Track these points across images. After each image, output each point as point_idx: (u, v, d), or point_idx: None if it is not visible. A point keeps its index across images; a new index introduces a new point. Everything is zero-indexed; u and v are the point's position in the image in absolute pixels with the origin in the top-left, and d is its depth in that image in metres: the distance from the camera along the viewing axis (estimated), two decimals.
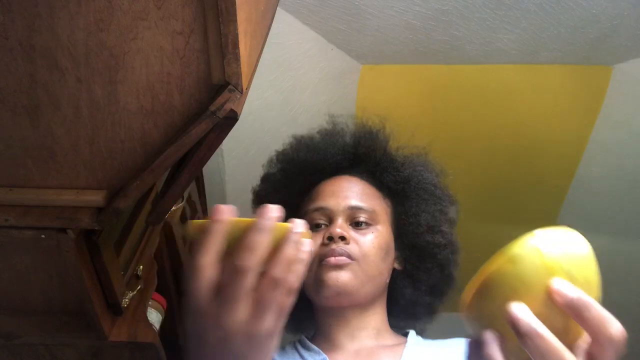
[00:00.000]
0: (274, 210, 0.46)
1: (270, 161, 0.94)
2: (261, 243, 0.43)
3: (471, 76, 1.59)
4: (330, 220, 0.79)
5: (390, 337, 0.80)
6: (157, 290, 0.93)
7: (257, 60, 0.66)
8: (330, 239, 0.76)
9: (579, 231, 0.49)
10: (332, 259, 0.74)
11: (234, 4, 0.46)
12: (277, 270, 0.43)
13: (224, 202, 1.40)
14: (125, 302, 0.77)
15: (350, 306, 0.76)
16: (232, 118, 0.53)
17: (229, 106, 0.52)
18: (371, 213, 0.79)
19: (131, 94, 0.53)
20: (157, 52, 0.50)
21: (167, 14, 0.48)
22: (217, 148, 0.56)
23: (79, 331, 0.75)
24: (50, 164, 0.58)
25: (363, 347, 0.76)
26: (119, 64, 0.51)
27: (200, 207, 1.25)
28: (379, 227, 0.79)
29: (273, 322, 0.44)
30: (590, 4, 1.25)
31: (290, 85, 1.41)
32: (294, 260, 0.45)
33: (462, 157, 1.78)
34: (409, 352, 0.76)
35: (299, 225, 0.46)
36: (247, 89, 0.56)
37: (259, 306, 0.42)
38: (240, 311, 0.42)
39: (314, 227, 0.80)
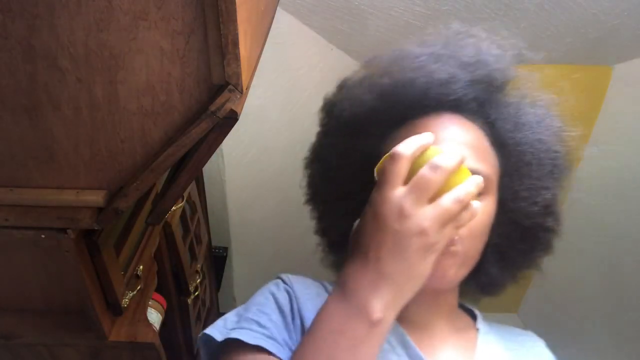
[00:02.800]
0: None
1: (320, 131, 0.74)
2: (453, 160, 0.47)
3: None
4: None
5: (460, 317, 0.72)
6: (157, 290, 0.93)
7: (257, 60, 0.66)
8: None
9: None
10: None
11: (234, 4, 0.46)
12: (454, 198, 0.47)
13: (224, 202, 1.40)
14: (125, 302, 0.77)
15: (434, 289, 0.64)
16: (232, 118, 0.53)
17: (229, 106, 0.52)
18: (486, 180, 0.60)
19: (131, 94, 0.53)
20: (157, 52, 0.50)
21: (167, 14, 0.48)
22: (217, 148, 0.56)
23: (79, 331, 0.75)
24: (50, 164, 0.58)
25: (436, 325, 0.67)
26: (119, 64, 0.51)
27: (200, 207, 1.25)
28: (490, 197, 0.63)
29: (442, 243, 0.47)
30: (590, 4, 1.25)
31: (290, 85, 1.41)
32: (467, 203, 0.47)
33: None
34: (482, 344, 0.67)
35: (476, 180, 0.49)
36: (247, 89, 0.56)
37: (440, 218, 0.46)
38: (428, 211, 0.46)
39: None
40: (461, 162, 0.49)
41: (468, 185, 0.48)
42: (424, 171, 0.47)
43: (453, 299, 0.71)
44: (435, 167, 0.47)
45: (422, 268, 0.48)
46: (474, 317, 0.75)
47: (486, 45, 0.68)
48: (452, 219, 0.47)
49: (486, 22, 1.34)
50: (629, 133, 1.58)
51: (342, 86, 0.76)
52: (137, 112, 0.54)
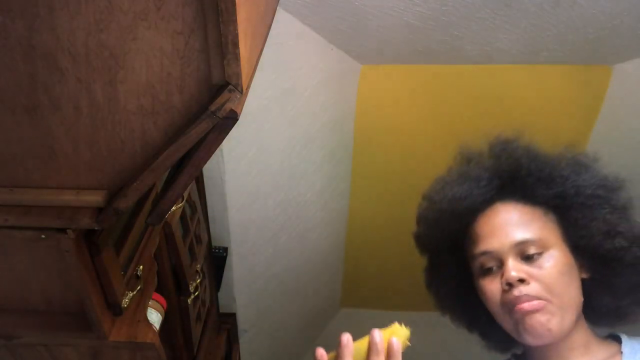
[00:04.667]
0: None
1: (420, 206, 0.88)
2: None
3: (471, 76, 1.59)
4: (500, 262, 0.74)
5: (600, 348, 0.76)
6: (157, 290, 0.93)
7: (257, 60, 0.66)
8: (509, 284, 0.72)
9: None
10: (526, 305, 0.71)
11: (234, 4, 0.46)
12: None
13: (224, 202, 1.40)
14: (125, 302, 0.77)
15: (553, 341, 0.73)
16: (232, 118, 0.53)
17: (229, 106, 0.52)
18: (539, 241, 0.73)
19: (131, 94, 0.53)
20: (157, 52, 0.50)
21: (167, 14, 0.48)
22: (217, 148, 0.56)
23: (79, 331, 0.75)
24: (50, 164, 0.58)
25: None
26: (119, 64, 0.51)
27: (200, 207, 1.25)
28: (552, 251, 0.74)
29: None
30: (590, 4, 1.25)
31: (290, 85, 1.41)
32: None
33: None
34: None
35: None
36: (247, 89, 0.56)
37: None
38: None
39: (486, 271, 0.76)
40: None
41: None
42: None
43: (582, 338, 0.75)
44: None
45: None
46: (620, 342, 0.78)
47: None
48: None
49: (486, 22, 1.34)
50: (629, 133, 1.58)
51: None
52: (137, 112, 0.54)
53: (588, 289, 0.75)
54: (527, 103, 1.64)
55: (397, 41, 1.44)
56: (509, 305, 0.72)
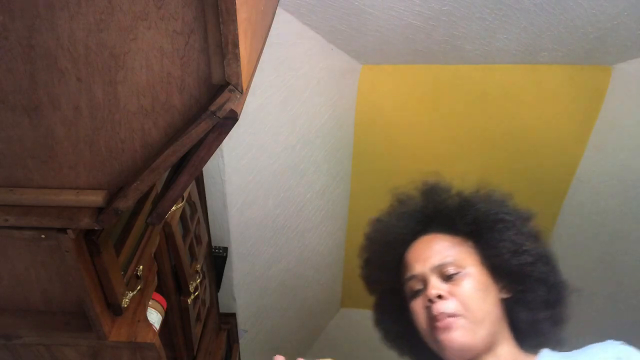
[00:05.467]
0: None
1: (362, 247, 1.00)
2: None
3: (471, 76, 1.59)
4: (425, 283, 0.84)
5: None
6: (157, 290, 0.93)
7: (257, 60, 0.66)
8: (430, 301, 0.82)
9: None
10: (441, 323, 0.79)
11: (234, 4, 0.46)
12: None
13: (224, 202, 1.40)
14: (125, 302, 0.77)
15: (476, 355, 0.81)
16: (232, 118, 0.53)
17: (229, 106, 0.52)
18: (455, 261, 0.84)
19: (131, 94, 0.53)
20: (157, 52, 0.50)
21: (167, 14, 0.48)
22: (217, 148, 0.56)
23: (79, 331, 0.75)
24: (50, 164, 0.58)
25: None
26: (119, 64, 0.51)
27: (200, 207, 1.25)
28: (469, 269, 0.84)
29: None
30: (590, 4, 1.25)
31: (290, 85, 1.41)
32: None
33: (462, 157, 1.78)
34: None
35: None
36: (247, 89, 0.56)
37: None
38: None
39: (414, 294, 0.86)
40: None
41: None
42: None
43: (507, 352, 0.82)
44: None
45: None
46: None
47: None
48: None
49: (486, 22, 1.34)
50: (629, 133, 1.58)
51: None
52: (137, 112, 0.54)
53: (509, 307, 0.84)
54: (527, 103, 1.64)
55: (397, 41, 1.44)
56: (431, 323, 0.81)
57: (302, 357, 0.78)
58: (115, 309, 0.76)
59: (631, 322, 1.76)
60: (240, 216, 1.45)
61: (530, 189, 1.84)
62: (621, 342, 0.79)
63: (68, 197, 0.59)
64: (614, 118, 1.60)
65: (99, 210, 0.60)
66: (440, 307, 0.80)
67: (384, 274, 0.94)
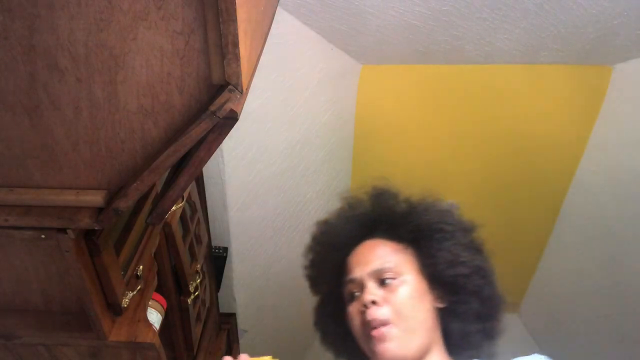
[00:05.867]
0: None
1: (307, 247, 1.01)
2: None
3: (471, 76, 1.59)
4: (362, 288, 0.85)
5: None
6: (157, 290, 0.93)
7: (257, 60, 0.66)
8: (365, 306, 0.82)
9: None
10: (375, 332, 0.79)
11: (234, 4, 0.46)
12: None
13: (224, 202, 1.40)
14: (125, 302, 0.77)
15: None
16: (232, 118, 0.53)
17: (229, 106, 0.52)
18: (394, 268, 0.84)
19: (131, 94, 0.53)
20: (157, 52, 0.50)
21: (167, 14, 0.48)
22: (217, 148, 0.56)
23: (79, 331, 0.75)
24: (50, 164, 0.58)
25: None
26: (119, 64, 0.51)
27: (200, 207, 1.25)
28: (406, 276, 0.84)
29: None
30: (590, 4, 1.25)
31: (290, 85, 1.41)
32: None
33: (462, 157, 1.78)
34: None
35: None
36: (247, 89, 0.56)
37: None
38: None
39: (352, 297, 0.86)
40: None
41: None
42: None
43: None
44: None
45: None
46: None
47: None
48: None
49: (486, 22, 1.34)
50: (629, 133, 1.58)
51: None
52: (137, 112, 0.54)
53: (443, 317, 0.85)
54: (527, 103, 1.64)
55: (397, 41, 1.44)
56: (365, 328, 0.81)
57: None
58: (115, 309, 0.76)
59: (631, 322, 1.76)
60: (240, 216, 1.45)
61: (530, 189, 1.84)
62: (546, 356, 0.80)
63: (68, 197, 0.59)
64: (614, 118, 1.60)
65: (99, 210, 0.60)
66: (374, 313, 0.80)
67: (327, 276, 0.94)
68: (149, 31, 0.49)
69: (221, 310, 1.59)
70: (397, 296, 0.81)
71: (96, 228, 0.60)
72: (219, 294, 1.54)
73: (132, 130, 0.55)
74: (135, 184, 0.57)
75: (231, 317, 1.63)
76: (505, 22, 1.33)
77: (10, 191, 0.60)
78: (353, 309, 0.84)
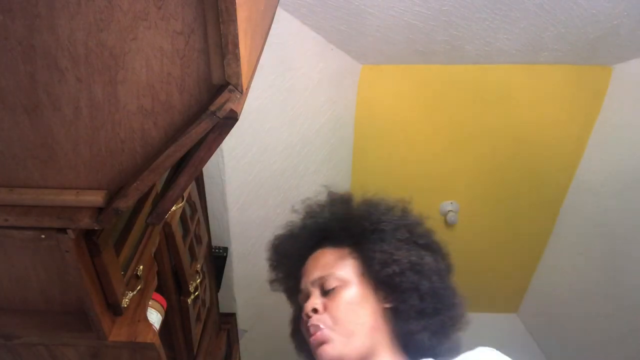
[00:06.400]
0: None
1: (268, 258, 1.04)
2: None
3: (471, 76, 1.59)
4: (308, 297, 0.87)
5: None
6: (157, 290, 0.93)
7: (257, 60, 0.66)
8: (307, 315, 0.85)
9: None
10: (312, 337, 0.82)
11: (234, 4, 0.46)
12: None
13: (224, 202, 1.40)
14: (125, 302, 0.77)
15: None
16: (232, 118, 0.53)
17: (229, 106, 0.52)
18: (335, 275, 0.86)
19: (131, 94, 0.53)
20: (157, 52, 0.50)
21: (167, 14, 0.48)
22: (217, 148, 0.56)
23: (79, 331, 0.75)
24: (50, 164, 0.58)
25: None
26: (119, 64, 0.51)
27: (200, 207, 1.25)
28: (349, 282, 0.86)
29: None
30: (590, 4, 1.25)
31: (290, 85, 1.41)
32: None
33: (462, 157, 1.78)
34: None
35: None
36: (247, 89, 0.56)
37: None
38: None
39: (300, 307, 0.89)
40: None
41: None
42: None
43: None
44: None
45: None
46: None
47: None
48: None
49: (486, 22, 1.34)
50: (629, 133, 1.58)
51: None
52: (137, 112, 0.54)
53: (390, 318, 0.85)
54: (527, 103, 1.64)
55: (397, 41, 1.44)
56: (308, 336, 0.83)
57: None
58: (115, 309, 0.76)
59: (631, 322, 1.76)
60: (240, 216, 1.45)
61: (530, 189, 1.84)
62: (490, 347, 0.79)
63: (68, 197, 0.59)
64: (614, 118, 1.60)
65: (99, 210, 0.60)
66: (314, 320, 0.82)
67: (291, 289, 0.97)
68: (149, 31, 0.49)
69: (221, 310, 1.59)
70: (335, 303, 0.83)
71: (96, 228, 0.60)
72: (219, 294, 1.54)
73: (132, 130, 0.55)
74: (135, 184, 0.57)
75: (231, 317, 1.63)
76: (505, 22, 1.33)
77: (10, 191, 0.60)
78: (303, 318, 0.86)
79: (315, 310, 0.83)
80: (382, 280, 0.85)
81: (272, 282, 1.02)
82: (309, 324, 0.83)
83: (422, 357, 0.83)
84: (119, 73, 0.52)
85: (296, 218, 1.00)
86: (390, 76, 1.61)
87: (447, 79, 1.60)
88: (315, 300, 0.85)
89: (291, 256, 0.96)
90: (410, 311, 0.84)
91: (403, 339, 0.85)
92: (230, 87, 0.51)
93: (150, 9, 0.48)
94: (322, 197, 1.00)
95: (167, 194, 0.62)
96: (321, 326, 0.82)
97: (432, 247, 0.90)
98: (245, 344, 1.75)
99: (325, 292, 0.85)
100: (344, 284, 0.85)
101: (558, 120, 1.67)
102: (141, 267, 0.83)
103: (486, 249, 1.94)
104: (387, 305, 0.85)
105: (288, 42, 1.34)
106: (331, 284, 0.85)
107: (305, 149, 1.58)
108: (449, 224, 1.87)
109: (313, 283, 0.87)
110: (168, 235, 1.01)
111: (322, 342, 0.81)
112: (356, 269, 0.88)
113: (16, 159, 0.58)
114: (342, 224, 0.93)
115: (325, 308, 0.84)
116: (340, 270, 0.87)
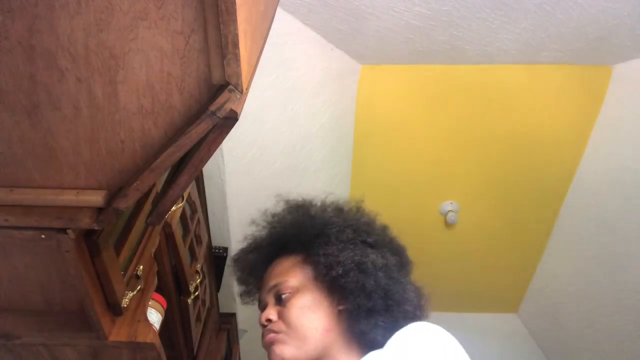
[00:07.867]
0: None
1: (233, 270, 1.07)
2: None
3: (471, 76, 1.59)
4: (265, 307, 0.90)
5: None
6: (157, 290, 0.93)
7: (257, 60, 0.66)
8: (263, 325, 0.88)
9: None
10: (264, 340, 0.87)
11: (234, 4, 0.46)
12: None
13: (224, 202, 1.40)
14: (125, 302, 0.77)
15: None
16: (232, 118, 0.53)
17: (229, 106, 0.52)
18: (287, 283, 0.88)
19: (131, 94, 0.53)
20: (157, 52, 0.50)
21: (167, 14, 0.48)
22: (217, 148, 0.56)
23: (79, 331, 0.75)
24: (50, 164, 0.58)
25: None
26: (119, 64, 0.51)
27: (200, 207, 1.25)
28: (299, 289, 0.88)
29: None
30: (590, 4, 1.25)
31: (290, 85, 1.41)
32: None
33: (462, 156, 1.79)
34: None
35: None
36: (247, 89, 0.56)
37: None
38: None
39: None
40: None
41: None
42: None
43: None
44: None
45: None
46: None
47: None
48: None
49: (486, 22, 1.34)
50: (629, 133, 1.58)
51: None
52: (137, 112, 0.54)
53: (345, 319, 0.86)
54: (527, 103, 1.64)
55: (397, 41, 1.44)
56: (263, 342, 0.87)
57: None
58: (115, 309, 0.76)
59: (631, 322, 1.76)
60: (240, 216, 1.45)
61: (530, 189, 1.84)
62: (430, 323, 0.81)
63: (68, 197, 0.59)
64: (614, 118, 1.60)
65: (99, 210, 0.60)
66: (269, 328, 0.86)
67: (257, 297, 0.98)
68: (149, 31, 0.49)
69: (221, 310, 1.59)
70: (287, 310, 0.85)
71: (96, 228, 0.60)
72: (219, 294, 1.54)
73: (132, 130, 0.55)
74: (135, 184, 0.57)
75: (231, 317, 1.63)
76: (505, 22, 1.33)
77: (10, 191, 0.60)
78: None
79: (269, 321, 0.86)
80: (332, 283, 0.87)
81: (241, 295, 1.04)
82: (264, 332, 0.87)
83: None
84: (119, 73, 0.52)
85: (255, 230, 1.02)
86: (390, 76, 1.61)
87: (447, 79, 1.61)
88: (270, 311, 0.87)
89: (253, 268, 0.99)
90: (360, 310, 0.84)
91: (357, 338, 0.86)
92: (230, 87, 0.51)
93: (150, 9, 0.48)
94: (280, 206, 1.02)
95: (167, 194, 0.62)
96: (275, 330, 0.84)
97: (381, 244, 0.91)
98: (245, 344, 1.75)
99: (279, 300, 0.88)
100: (296, 290, 0.87)
101: (558, 120, 1.67)
102: (141, 267, 0.83)
103: (486, 249, 1.94)
104: (341, 307, 0.86)
105: (288, 42, 1.34)
106: (284, 291, 0.87)
107: (305, 148, 1.58)
108: (449, 224, 1.88)
109: (268, 292, 0.90)
110: (168, 235, 1.01)
111: (273, 344, 0.83)
112: (308, 275, 0.90)
113: (16, 159, 0.58)
114: (294, 231, 0.95)
115: (280, 315, 0.86)
116: (293, 277, 0.89)
